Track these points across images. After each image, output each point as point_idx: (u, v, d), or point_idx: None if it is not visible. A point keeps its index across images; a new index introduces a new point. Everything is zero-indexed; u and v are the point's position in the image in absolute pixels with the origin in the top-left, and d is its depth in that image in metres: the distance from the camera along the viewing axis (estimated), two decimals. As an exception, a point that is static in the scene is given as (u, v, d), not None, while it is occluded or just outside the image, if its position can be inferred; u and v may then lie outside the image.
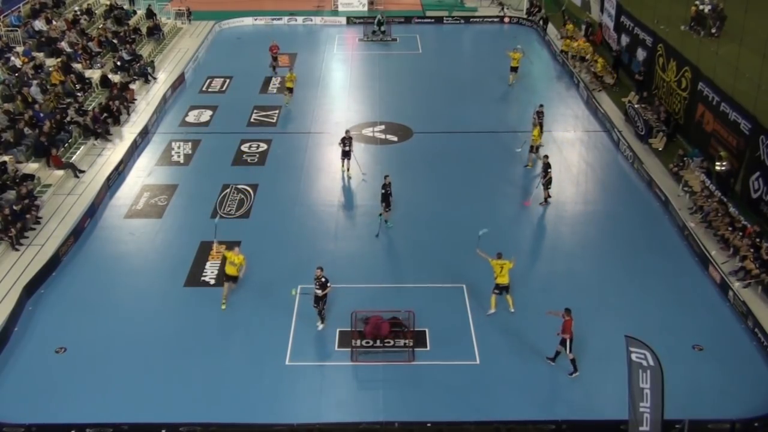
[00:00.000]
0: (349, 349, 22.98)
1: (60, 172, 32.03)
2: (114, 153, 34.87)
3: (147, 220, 30.34)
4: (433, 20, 58.60)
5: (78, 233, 28.84)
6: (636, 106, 38.20)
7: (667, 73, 38.25)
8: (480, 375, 22.30)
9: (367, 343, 23.04)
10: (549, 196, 31.45)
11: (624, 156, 36.05)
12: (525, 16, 58.25)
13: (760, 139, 30.69)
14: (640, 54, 42.02)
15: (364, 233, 29.43)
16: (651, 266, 27.72)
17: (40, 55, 40.26)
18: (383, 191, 29.37)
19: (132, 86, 40.49)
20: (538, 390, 21.80)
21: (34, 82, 36.70)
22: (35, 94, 35.70)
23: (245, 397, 21.48)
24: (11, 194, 28.95)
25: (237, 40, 54.00)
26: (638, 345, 18.16)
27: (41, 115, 34.28)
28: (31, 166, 31.84)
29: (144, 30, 48.59)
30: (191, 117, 40.02)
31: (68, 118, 35.35)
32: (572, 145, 37.38)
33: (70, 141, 34.16)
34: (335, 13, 59.53)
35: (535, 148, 34.83)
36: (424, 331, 23.76)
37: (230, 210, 30.71)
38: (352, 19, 57.80)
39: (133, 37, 46.10)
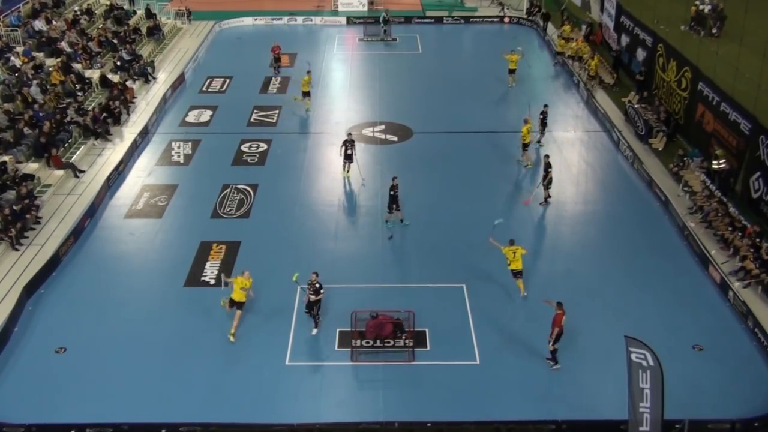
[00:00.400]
0: (349, 349, 22.84)
1: (60, 172, 31.78)
2: (114, 153, 34.60)
3: (147, 220, 30.14)
4: (433, 20, 58.41)
5: (78, 233, 28.64)
6: (636, 106, 37.87)
7: (667, 73, 37.91)
8: (480, 375, 22.27)
9: (367, 343, 22.89)
10: (549, 196, 31.26)
11: (624, 156, 35.84)
12: (525, 16, 57.85)
13: (760, 139, 30.30)
14: (640, 54, 41.60)
15: (364, 233, 29.47)
16: (651, 266, 27.55)
17: (40, 55, 39.78)
18: (391, 193, 29.21)
19: (132, 86, 40.02)
20: (538, 390, 21.79)
21: (34, 82, 36.27)
22: (35, 94, 35.31)
23: (245, 397, 21.44)
24: (11, 194, 28.61)
25: (237, 40, 53.63)
26: (638, 345, 18.01)
27: (41, 114, 33.86)
28: (31, 166, 31.57)
29: (144, 30, 47.98)
30: (191, 117, 39.73)
31: (68, 118, 34.94)
32: (572, 145, 37.22)
33: (70, 141, 33.81)
34: (335, 13, 59.19)
35: (523, 146, 34.51)
36: (424, 331, 23.63)
37: (230, 210, 30.58)
38: (352, 19, 57.35)
39: (133, 37, 45.58)
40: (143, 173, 33.77)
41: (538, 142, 36.17)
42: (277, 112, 40.19)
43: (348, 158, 32.86)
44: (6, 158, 30.64)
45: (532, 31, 56.14)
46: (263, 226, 29.77)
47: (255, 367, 22.49)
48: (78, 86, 37.96)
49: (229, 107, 40.89)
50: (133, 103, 39.04)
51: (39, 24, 41.69)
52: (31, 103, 34.61)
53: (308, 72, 40.84)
